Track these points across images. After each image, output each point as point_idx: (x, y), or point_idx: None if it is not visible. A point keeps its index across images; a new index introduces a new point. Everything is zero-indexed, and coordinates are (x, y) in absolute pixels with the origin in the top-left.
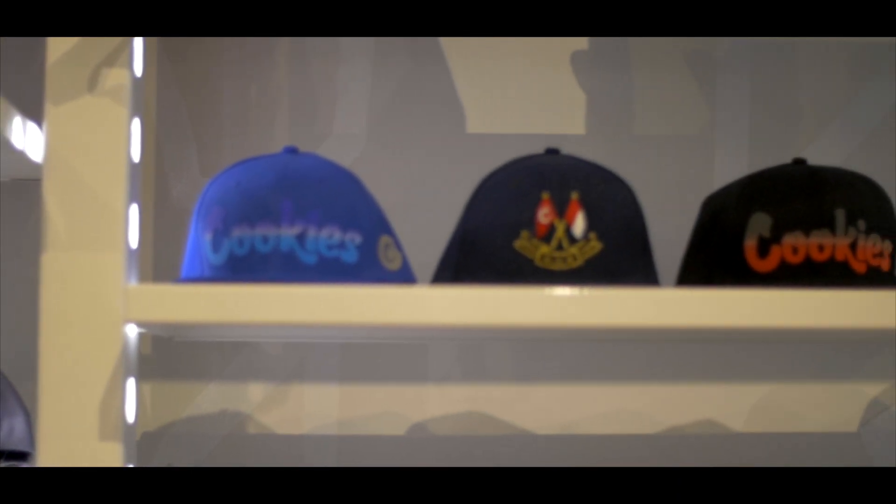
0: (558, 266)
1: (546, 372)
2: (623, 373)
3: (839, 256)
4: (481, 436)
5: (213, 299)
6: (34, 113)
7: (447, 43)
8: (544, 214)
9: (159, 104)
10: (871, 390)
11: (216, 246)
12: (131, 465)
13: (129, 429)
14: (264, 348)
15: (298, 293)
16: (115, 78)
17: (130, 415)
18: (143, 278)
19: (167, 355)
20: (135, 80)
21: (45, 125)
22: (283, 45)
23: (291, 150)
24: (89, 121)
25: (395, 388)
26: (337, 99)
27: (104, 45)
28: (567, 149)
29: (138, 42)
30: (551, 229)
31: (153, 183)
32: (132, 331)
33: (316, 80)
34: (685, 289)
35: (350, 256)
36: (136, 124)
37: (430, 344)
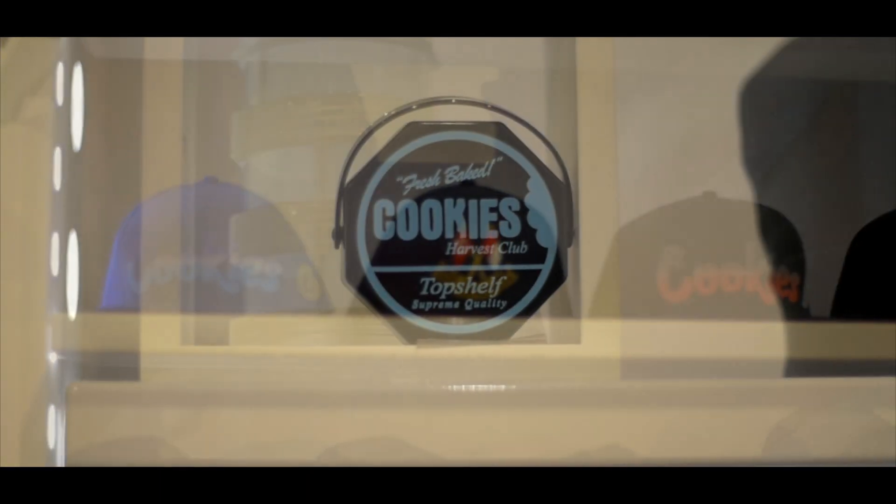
0: (475, 296)
1: (456, 397)
2: (531, 398)
3: (750, 288)
4: (392, 461)
5: (136, 328)
6: None
7: (357, 70)
8: (461, 245)
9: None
10: (775, 416)
11: (138, 275)
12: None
13: (50, 456)
14: (179, 373)
15: (222, 323)
16: (37, 107)
17: (52, 442)
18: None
19: (81, 380)
20: (57, 108)
21: None
22: (198, 73)
23: (212, 180)
24: (11, 149)
25: (307, 413)
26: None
27: (27, 73)
28: (481, 180)
29: (60, 70)
30: (468, 260)
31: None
32: (54, 359)
33: (231, 109)
34: (598, 319)
35: (270, 286)
36: (58, 153)
37: (341, 369)
